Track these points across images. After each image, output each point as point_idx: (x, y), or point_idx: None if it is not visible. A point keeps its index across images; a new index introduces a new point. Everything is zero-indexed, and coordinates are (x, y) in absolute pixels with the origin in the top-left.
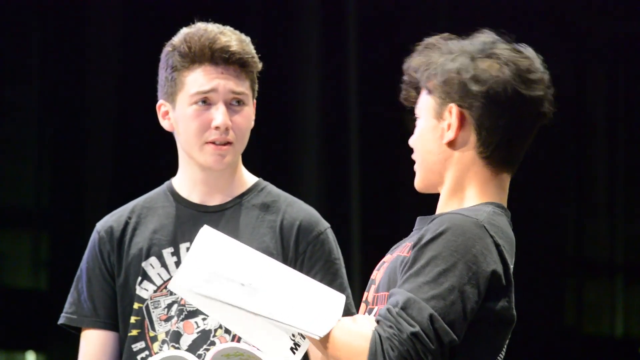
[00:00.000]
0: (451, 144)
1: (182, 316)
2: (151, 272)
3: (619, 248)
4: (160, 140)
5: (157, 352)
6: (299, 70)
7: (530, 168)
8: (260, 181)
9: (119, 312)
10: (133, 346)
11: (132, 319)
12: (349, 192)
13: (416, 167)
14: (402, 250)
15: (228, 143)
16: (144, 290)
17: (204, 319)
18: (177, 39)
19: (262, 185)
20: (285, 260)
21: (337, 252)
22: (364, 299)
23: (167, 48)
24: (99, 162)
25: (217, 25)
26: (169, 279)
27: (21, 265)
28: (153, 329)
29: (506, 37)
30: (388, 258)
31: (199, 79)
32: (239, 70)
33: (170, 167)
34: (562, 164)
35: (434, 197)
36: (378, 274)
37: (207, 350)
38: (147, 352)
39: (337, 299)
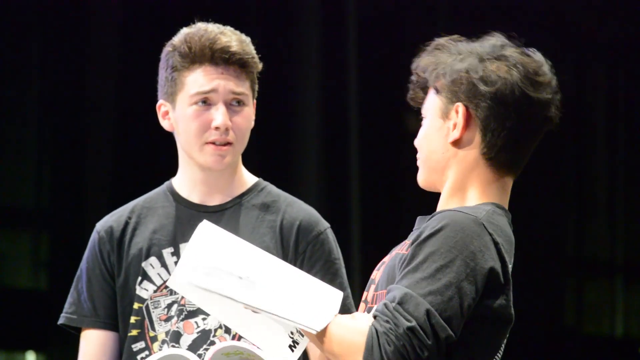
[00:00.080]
0: (456, 143)
1: (182, 316)
2: (151, 272)
3: (619, 248)
4: (160, 140)
5: (157, 352)
6: (299, 70)
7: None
8: (260, 181)
9: (118, 312)
10: (133, 346)
11: (132, 319)
12: (349, 192)
13: (420, 165)
14: (400, 248)
15: (228, 143)
16: (144, 290)
17: (204, 319)
18: (177, 39)
19: (262, 185)
20: (285, 260)
21: (337, 252)
22: (363, 298)
23: (167, 48)
24: (99, 162)
25: (217, 25)
26: (169, 279)
27: (21, 265)
28: (153, 329)
29: (516, 41)
30: (387, 258)
31: (199, 79)
32: (239, 70)
33: (170, 167)
34: (562, 164)
35: (435, 197)
36: (378, 274)
37: (207, 350)
38: (147, 352)
39: (335, 295)
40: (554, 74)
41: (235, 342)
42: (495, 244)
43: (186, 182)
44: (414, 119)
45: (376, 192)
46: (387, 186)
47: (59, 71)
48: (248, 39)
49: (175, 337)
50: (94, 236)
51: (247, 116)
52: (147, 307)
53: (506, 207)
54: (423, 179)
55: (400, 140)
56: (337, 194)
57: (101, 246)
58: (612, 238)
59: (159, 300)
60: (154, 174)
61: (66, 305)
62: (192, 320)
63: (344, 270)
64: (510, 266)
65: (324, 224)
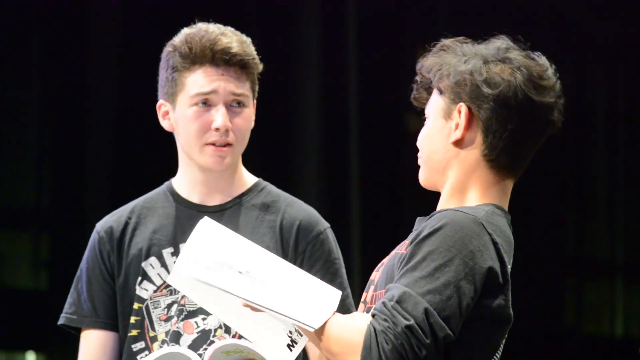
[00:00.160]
0: (457, 144)
1: (182, 316)
2: (151, 272)
3: (619, 248)
4: (160, 141)
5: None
6: (299, 70)
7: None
8: (260, 181)
9: (118, 312)
10: (133, 346)
11: (132, 319)
12: (349, 192)
13: (421, 165)
14: (400, 247)
15: (228, 144)
16: (144, 290)
17: (203, 319)
18: (178, 39)
19: (262, 186)
20: (284, 260)
21: (337, 251)
22: (362, 299)
23: (168, 48)
24: (99, 162)
25: (218, 25)
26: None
27: (21, 265)
28: (153, 329)
29: (521, 44)
30: (387, 259)
31: (199, 80)
32: (240, 71)
33: (170, 167)
34: (562, 164)
35: (435, 197)
36: (377, 275)
37: (207, 350)
38: (147, 352)
39: (333, 294)
40: (558, 78)
41: (235, 340)
42: (495, 243)
43: (186, 182)
44: (414, 119)
45: (376, 192)
46: (387, 186)
47: (59, 71)
48: (249, 40)
49: (175, 337)
50: (93, 236)
51: (247, 117)
52: (147, 307)
53: (506, 208)
54: (424, 178)
55: (400, 140)
56: (337, 194)
57: (101, 246)
58: (612, 238)
59: (158, 300)
60: (154, 174)
61: (66, 306)
62: (192, 320)
63: (343, 270)
64: (509, 267)
65: (324, 224)
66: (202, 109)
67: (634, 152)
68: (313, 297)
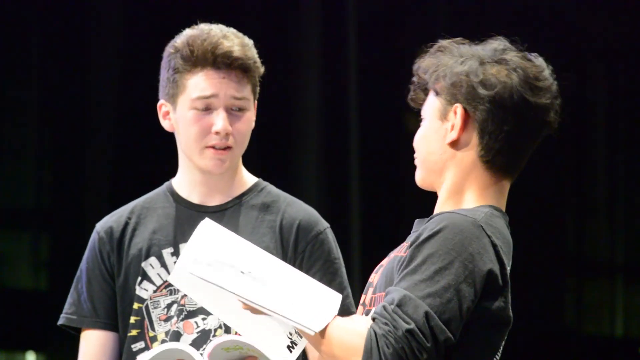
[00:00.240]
0: (453, 145)
1: (182, 316)
2: (151, 272)
3: (619, 248)
4: (160, 141)
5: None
6: (299, 70)
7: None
8: (260, 181)
9: (118, 312)
10: (133, 346)
11: (132, 319)
12: (349, 192)
13: (417, 165)
14: (399, 250)
15: (228, 147)
16: (144, 290)
17: (203, 319)
18: (179, 40)
19: (261, 186)
20: (284, 259)
21: (337, 251)
22: (361, 301)
23: (170, 49)
24: (99, 162)
25: (220, 27)
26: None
27: (21, 265)
28: (153, 329)
29: (518, 45)
30: (385, 261)
31: (200, 83)
32: (241, 75)
33: (170, 167)
34: (562, 164)
35: (435, 198)
36: (376, 277)
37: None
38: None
39: (334, 297)
40: (555, 79)
41: (235, 337)
42: (494, 246)
43: (186, 183)
44: (414, 119)
45: (376, 192)
46: (387, 186)
47: (60, 71)
48: (251, 42)
49: (175, 337)
50: (93, 237)
51: (248, 121)
52: (146, 307)
53: (504, 209)
54: (421, 179)
55: (400, 141)
56: (337, 194)
57: (101, 247)
58: (612, 238)
59: (158, 300)
60: (154, 174)
61: (66, 306)
62: (192, 320)
63: (343, 270)
64: (508, 268)
65: (324, 224)
66: (202, 112)
67: (634, 152)
68: (314, 300)
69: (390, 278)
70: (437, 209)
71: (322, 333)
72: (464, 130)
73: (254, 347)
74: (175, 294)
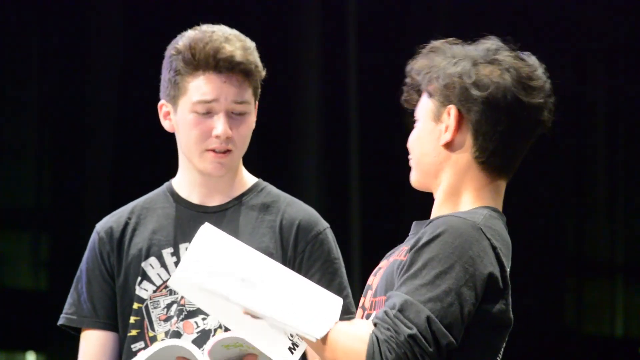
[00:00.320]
0: (448, 146)
1: (181, 316)
2: (151, 272)
3: (619, 248)
4: (160, 141)
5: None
6: (299, 70)
7: (530, 168)
8: (260, 182)
9: (118, 312)
10: (132, 346)
11: (132, 319)
12: (349, 192)
13: (412, 166)
14: (398, 254)
15: (228, 151)
16: (144, 290)
17: (203, 319)
18: (182, 42)
19: (261, 186)
20: (284, 259)
21: (337, 251)
22: (360, 304)
23: (172, 50)
24: (99, 162)
25: (222, 29)
26: (169, 279)
27: (21, 265)
28: (152, 329)
29: (511, 45)
30: (384, 263)
31: (201, 87)
32: (242, 79)
33: (170, 168)
34: (562, 164)
35: (434, 198)
36: (374, 280)
37: None
38: None
39: (335, 302)
40: (548, 77)
41: (235, 334)
42: (494, 248)
43: (186, 183)
44: (414, 121)
45: (376, 192)
46: (387, 186)
47: (59, 71)
48: (253, 45)
49: (175, 337)
50: (93, 237)
51: (248, 124)
52: (146, 307)
53: (500, 209)
54: (416, 180)
55: (400, 140)
56: (337, 194)
57: (101, 247)
58: (612, 238)
59: (158, 301)
60: (154, 174)
61: (66, 306)
62: (191, 320)
63: (343, 270)
64: (508, 270)
65: (324, 224)
66: (203, 115)
67: (634, 152)
68: (315, 305)
69: (390, 282)
70: (435, 211)
71: (324, 338)
72: (458, 132)
73: (254, 345)
74: (175, 294)
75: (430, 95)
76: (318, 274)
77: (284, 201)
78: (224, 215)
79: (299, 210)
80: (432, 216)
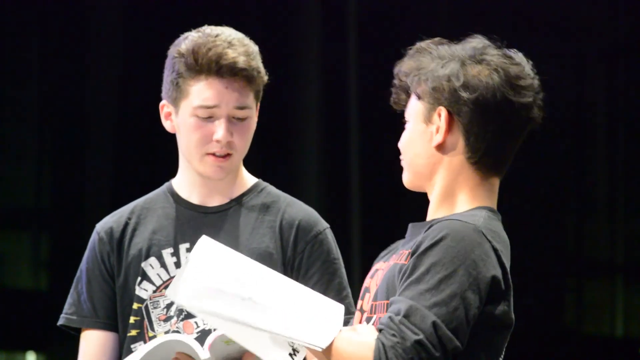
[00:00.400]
0: (439, 148)
1: (181, 316)
2: (151, 273)
3: (619, 248)
4: (160, 141)
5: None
6: (299, 70)
7: (530, 168)
8: (260, 182)
9: (118, 312)
10: (132, 346)
11: (132, 319)
12: (349, 192)
13: (404, 167)
14: (399, 258)
15: (228, 155)
16: (144, 290)
17: (203, 319)
18: (184, 45)
19: (261, 186)
20: (284, 260)
21: (336, 252)
22: (358, 307)
23: (174, 52)
24: (99, 162)
25: (226, 33)
26: (169, 279)
27: (21, 265)
28: (152, 329)
29: (497, 43)
30: (381, 265)
31: (203, 91)
32: (244, 84)
33: (170, 168)
34: (562, 165)
35: None
36: (372, 282)
37: None
38: None
39: (337, 309)
40: (536, 74)
41: None
42: (495, 250)
43: (186, 184)
44: (404, 122)
45: (376, 192)
46: (387, 186)
47: (59, 71)
48: (256, 49)
49: None
50: (93, 237)
51: (249, 128)
52: (146, 307)
53: (495, 207)
54: (408, 181)
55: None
56: (337, 194)
57: (101, 247)
58: (612, 238)
59: (158, 301)
60: (154, 174)
61: (66, 306)
62: (191, 321)
63: (343, 270)
64: (508, 270)
65: (323, 224)
66: (204, 120)
67: (634, 152)
68: (318, 314)
69: (391, 286)
70: (431, 213)
71: (329, 347)
72: (449, 133)
73: (255, 353)
74: None
75: (420, 97)
76: (318, 274)
77: (284, 201)
78: (224, 216)
79: (299, 210)
80: (429, 218)
